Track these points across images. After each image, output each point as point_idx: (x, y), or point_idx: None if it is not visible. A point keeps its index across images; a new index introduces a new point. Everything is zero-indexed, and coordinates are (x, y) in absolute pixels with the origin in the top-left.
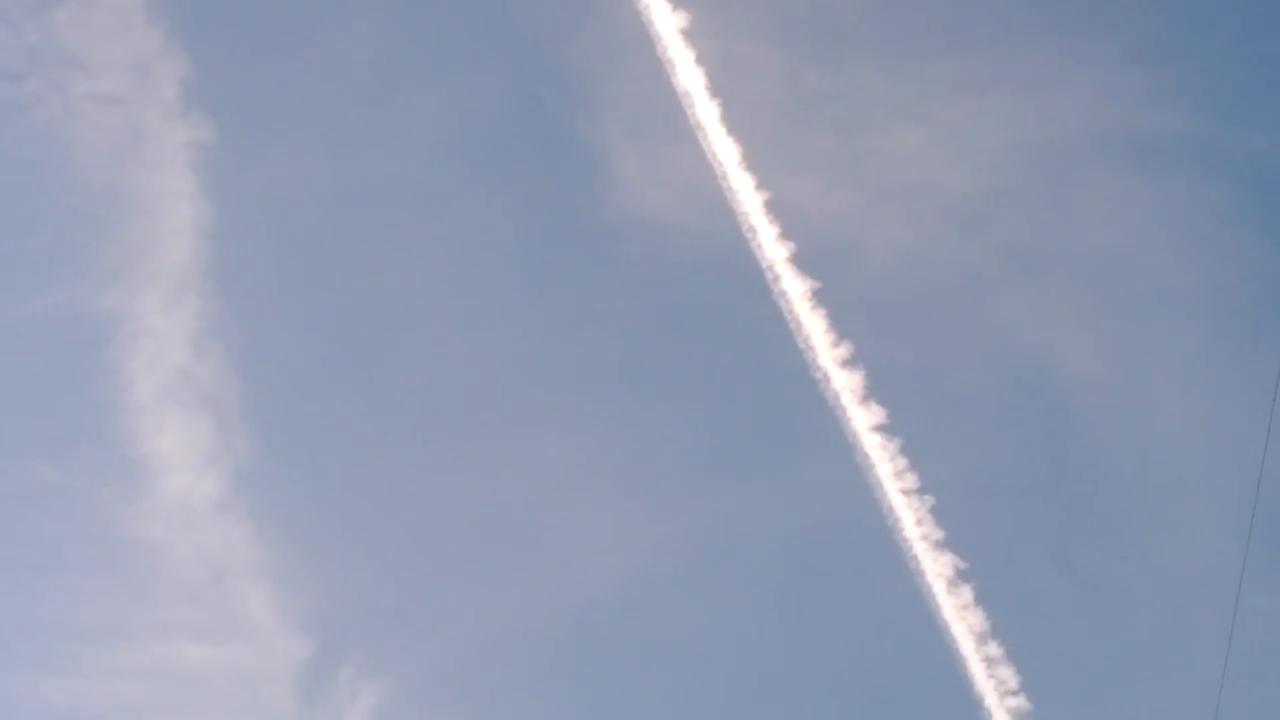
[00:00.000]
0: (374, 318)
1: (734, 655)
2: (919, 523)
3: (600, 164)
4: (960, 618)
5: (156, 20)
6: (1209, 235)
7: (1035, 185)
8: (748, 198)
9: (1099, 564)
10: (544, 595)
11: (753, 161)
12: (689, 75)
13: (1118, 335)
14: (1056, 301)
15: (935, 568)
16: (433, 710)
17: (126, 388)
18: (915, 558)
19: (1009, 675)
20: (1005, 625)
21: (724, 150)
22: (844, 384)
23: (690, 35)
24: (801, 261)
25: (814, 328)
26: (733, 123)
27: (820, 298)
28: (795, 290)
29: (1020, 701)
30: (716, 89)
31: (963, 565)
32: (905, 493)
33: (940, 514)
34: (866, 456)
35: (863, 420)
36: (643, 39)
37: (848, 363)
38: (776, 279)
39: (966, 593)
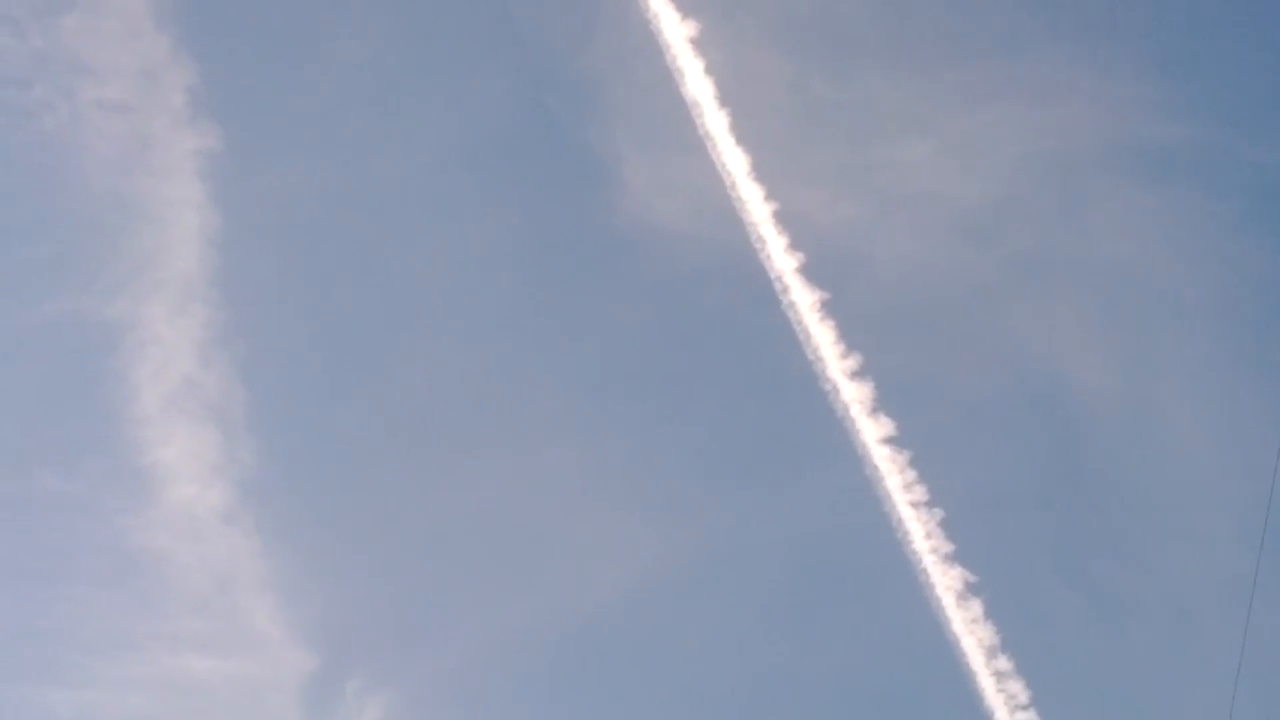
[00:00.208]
0: (381, 327)
1: (741, 667)
2: (928, 535)
3: (609, 173)
4: (970, 631)
5: (164, 27)
6: (1219, 246)
7: (1045, 196)
8: (756, 208)
9: (1109, 577)
10: (551, 606)
11: (762, 171)
12: (698, 84)
13: (1128, 346)
14: (1066, 312)
15: (945, 581)
16: None
17: (133, 397)
18: (925, 571)
19: (1019, 689)
20: (1015, 639)
21: (733, 160)
22: (853, 395)
23: (699, 44)
24: (810, 272)
25: (823, 338)
26: (742, 132)
27: (829, 308)
28: (804, 301)
29: (1030, 716)
30: (726, 98)
31: (972, 578)
32: (915, 505)
33: (950, 527)
34: (876, 468)
35: (872, 432)
36: (652, 48)
37: (857, 374)
38: (785, 289)
39: (976, 606)
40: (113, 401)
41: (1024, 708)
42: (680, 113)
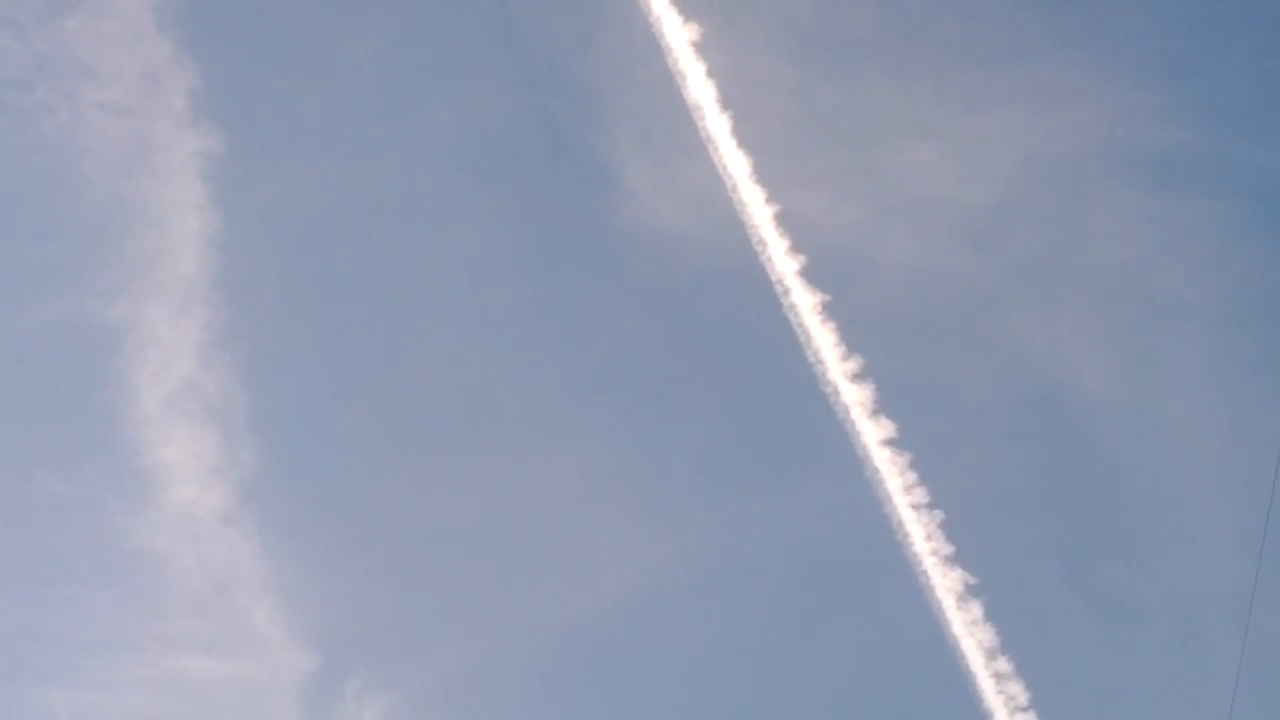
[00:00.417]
0: (382, 330)
1: (742, 671)
2: (928, 538)
3: (611, 176)
4: (970, 633)
5: (166, 30)
6: (1222, 251)
7: (1048, 200)
8: (758, 211)
9: (1109, 579)
10: (551, 610)
11: (763, 174)
12: (700, 88)
13: (1130, 351)
14: (1068, 316)
15: (945, 583)
16: None
17: (133, 398)
18: (925, 573)
19: (1019, 691)
20: (1015, 641)
21: (735, 163)
22: (854, 398)
23: (701, 48)
24: (812, 275)
25: (824, 341)
26: (744, 136)
27: (830, 311)
28: (805, 304)
29: (1030, 718)
30: (728, 102)
31: (972, 580)
32: (915, 507)
33: (950, 529)
34: (876, 471)
35: (872, 434)
36: (654, 51)
37: (858, 377)
38: (786, 292)
39: (976, 608)
40: (113, 403)
41: (1023, 709)
42: (682, 116)
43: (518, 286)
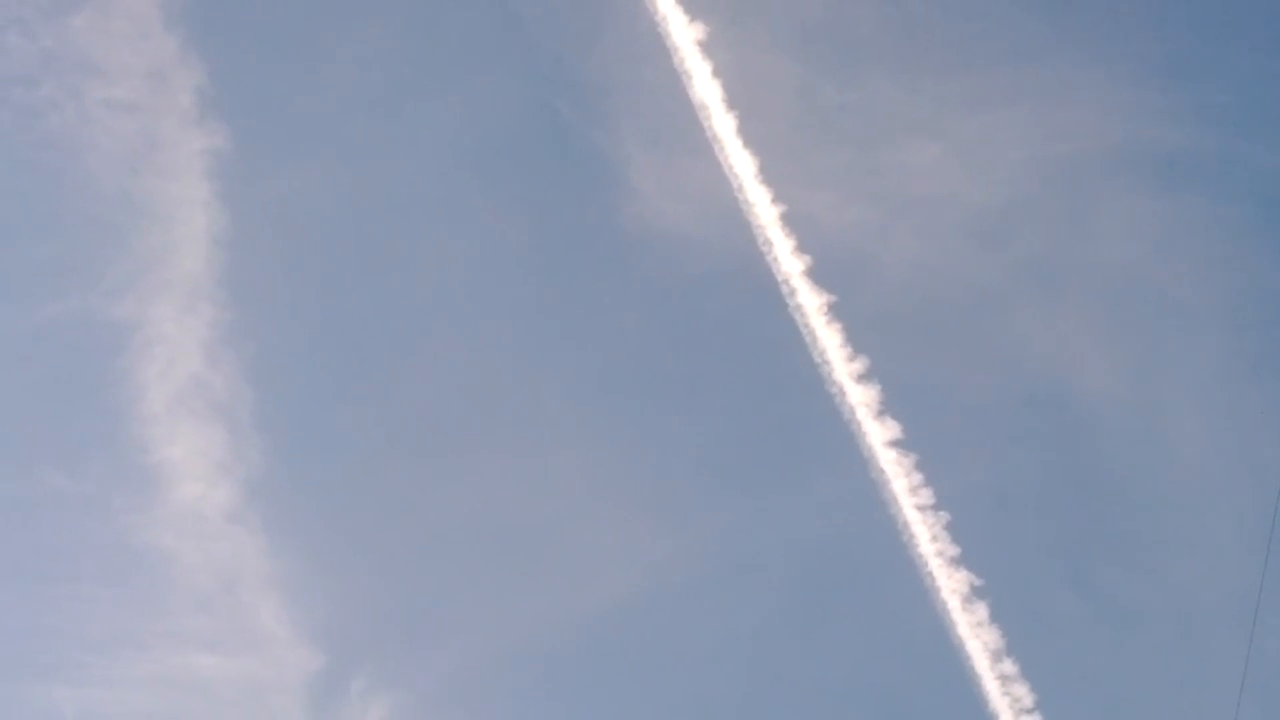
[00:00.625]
0: (388, 327)
1: (746, 670)
2: (934, 539)
3: (616, 175)
4: (975, 635)
5: (173, 27)
6: (1227, 251)
7: (1053, 200)
8: (764, 210)
9: (1115, 581)
10: (556, 608)
11: (769, 174)
12: (706, 87)
13: (1135, 351)
14: (1073, 317)
15: (950, 584)
16: None
17: (139, 396)
18: (930, 574)
19: (1024, 693)
20: (1020, 643)
21: (740, 163)
22: (859, 398)
23: (707, 47)
24: (817, 275)
25: (830, 341)
26: (749, 135)
27: (836, 311)
28: (811, 304)
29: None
30: (733, 101)
31: (978, 582)
32: (920, 508)
33: (955, 530)
34: (882, 471)
35: (878, 435)
36: (660, 50)
37: (863, 377)
38: (792, 292)
39: (981, 610)
40: (119, 400)
41: (1028, 711)
42: (688, 115)
43: (523, 285)
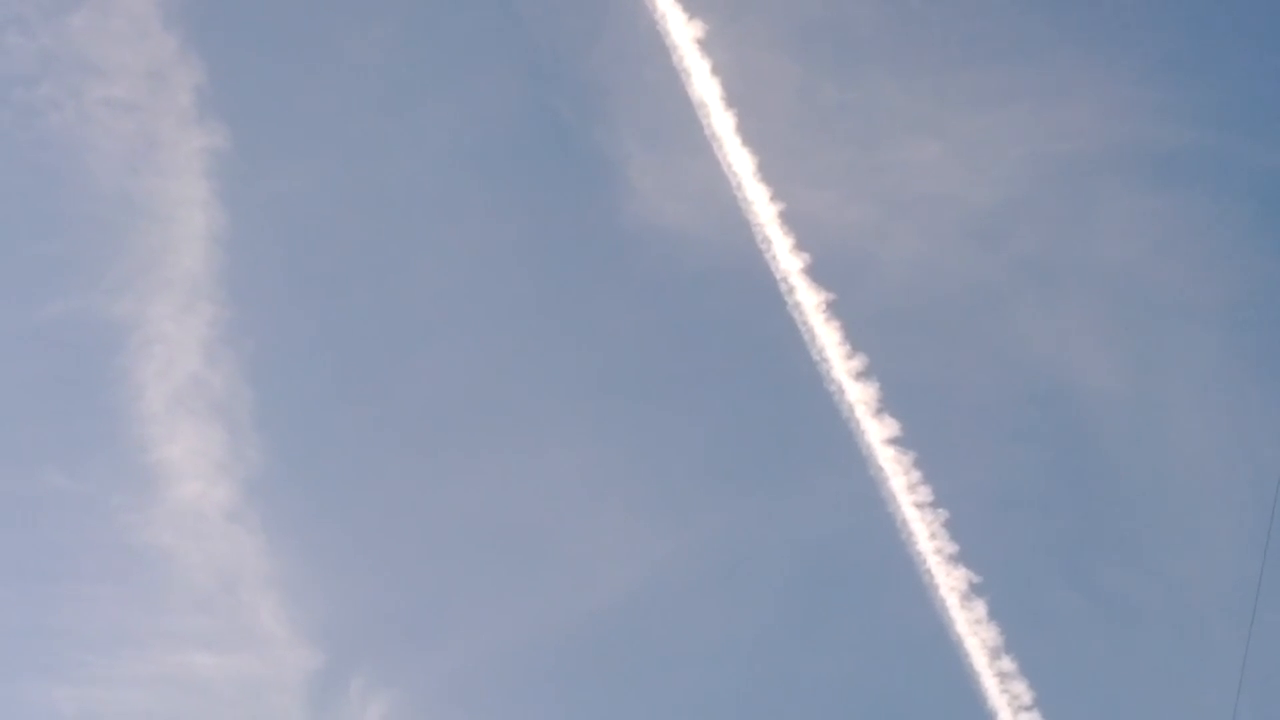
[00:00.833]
0: (387, 326)
1: (746, 669)
2: (933, 536)
3: (615, 174)
4: (974, 632)
5: (172, 26)
6: (1226, 249)
7: (1052, 198)
8: (763, 209)
9: (1113, 578)
10: (555, 606)
11: (768, 172)
12: (705, 85)
13: (1134, 349)
14: (1073, 315)
15: (949, 582)
16: None
17: (138, 395)
18: (929, 572)
19: (1023, 690)
20: (1019, 640)
21: (739, 161)
22: (858, 396)
23: (706, 45)
24: (816, 273)
25: (828, 340)
26: (748, 133)
27: (835, 310)
28: (810, 302)
29: (1034, 717)
30: (732, 99)
31: (976, 579)
32: (919, 506)
33: (954, 528)
34: (880, 470)
35: (877, 433)
36: (658, 49)
37: (862, 375)
38: (791, 290)
39: (980, 607)
40: (118, 399)
41: (1027, 708)
42: (687, 113)
43: (522, 284)
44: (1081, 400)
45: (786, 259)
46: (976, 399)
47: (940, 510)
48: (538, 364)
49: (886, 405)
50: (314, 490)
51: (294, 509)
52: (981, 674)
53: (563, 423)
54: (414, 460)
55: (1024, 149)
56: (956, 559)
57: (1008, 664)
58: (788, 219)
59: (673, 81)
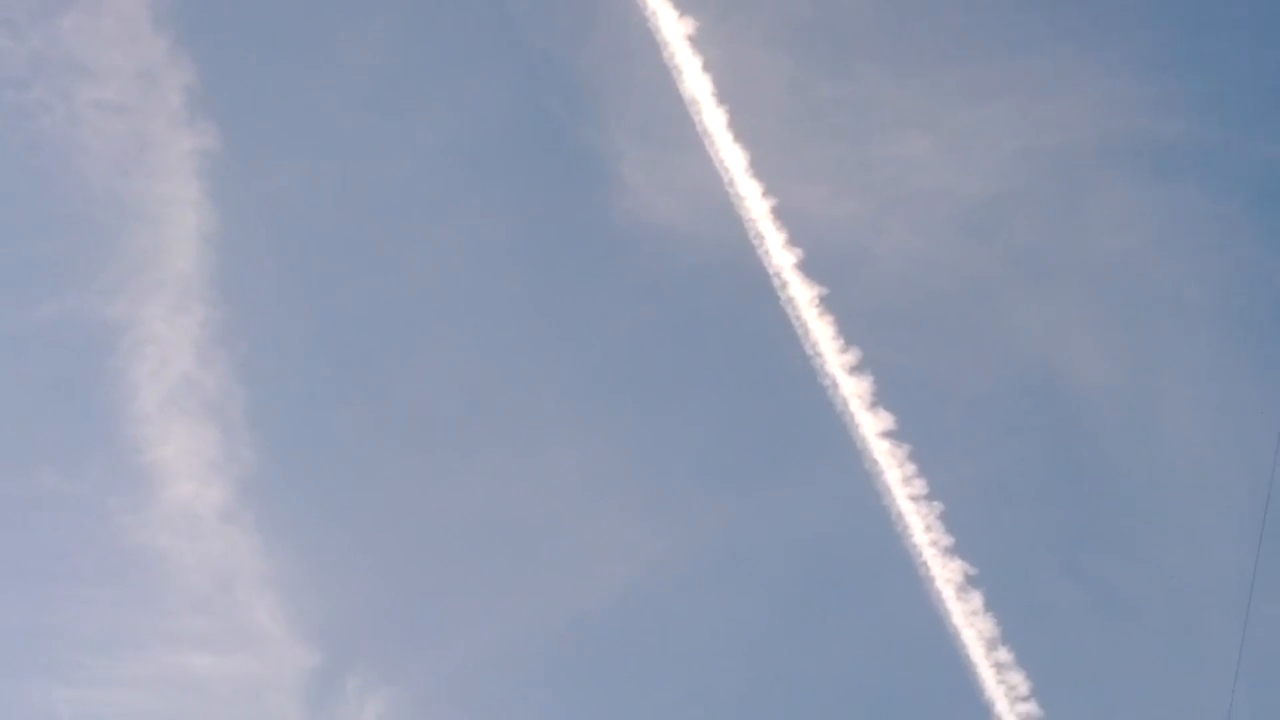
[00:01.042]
0: (380, 326)
1: (743, 663)
2: (928, 529)
3: (607, 171)
4: (970, 623)
5: (162, 27)
6: (1219, 241)
7: (1044, 191)
8: (755, 204)
9: (1109, 569)
10: (551, 604)
11: (760, 168)
12: (696, 82)
13: (1128, 341)
14: (1066, 307)
15: (944, 574)
16: None
17: (132, 396)
18: (924, 564)
19: (1019, 681)
20: (1015, 631)
21: (731, 157)
22: (852, 390)
23: (697, 42)
24: (809, 268)
25: (822, 334)
26: (740, 129)
27: (828, 304)
28: (803, 296)
29: (1031, 707)
30: (724, 95)
31: (972, 571)
32: (914, 499)
33: (949, 520)
34: (875, 463)
35: (871, 426)
36: (649, 46)
37: (856, 369)
38: (784, 285)
39: (976, 598)
40: (112, 400)
41: (1024, 699)
42: (678, 110)
43: (515, 282)
44: (1076, 393)
45: (779, 254)
46: (971, 392)
47: (935, 503)
48: (532, 362)
49: (881, 399)
50: (309, 489)
51: (289, 508)
52: (978, 665)
53: (558, 420)
54: (409, 458)
55: (1016, 142)
56: (952, 551)
57: (1004, 655)
58: (780, 214)
59: (664, 78)
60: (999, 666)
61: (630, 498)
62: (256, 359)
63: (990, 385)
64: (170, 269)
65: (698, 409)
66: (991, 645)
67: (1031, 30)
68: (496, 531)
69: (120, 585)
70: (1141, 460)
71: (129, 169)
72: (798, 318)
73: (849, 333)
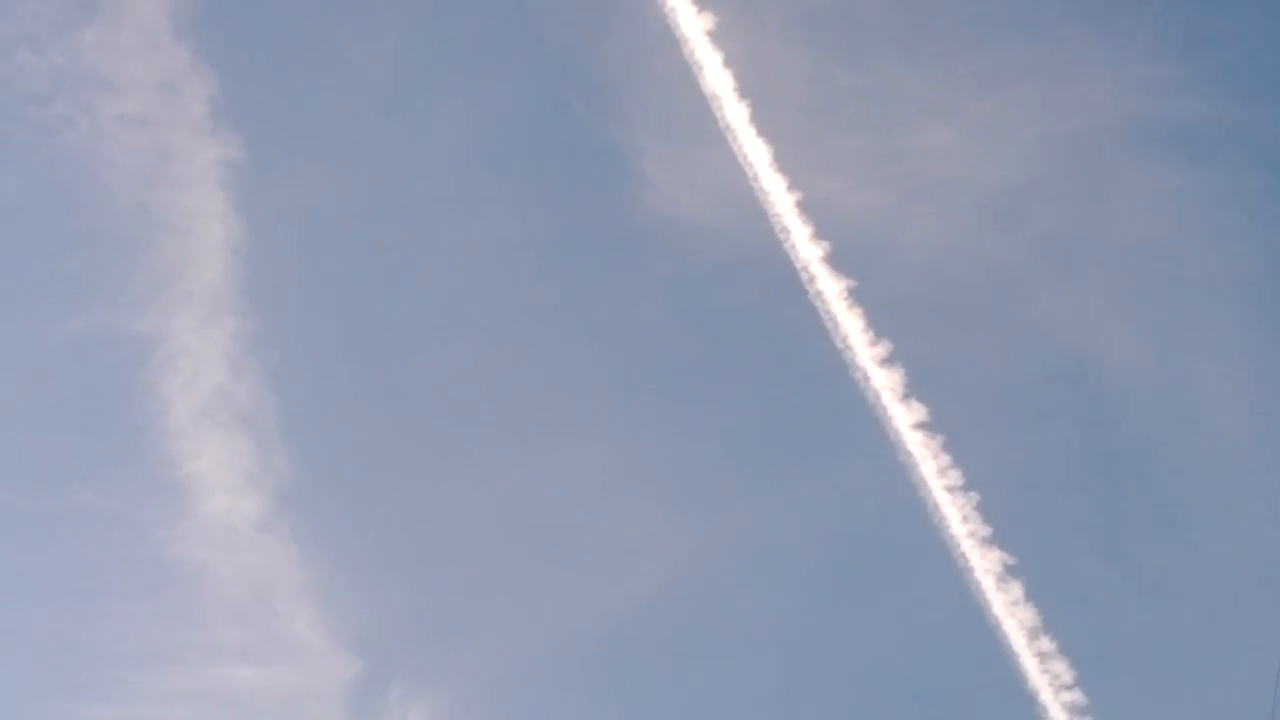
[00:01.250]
0: (408, 329)
1: (779, 658)
2: (965, 520)
3: (630, 168)
4: (1011, 614)
5: (183, 39)
6: (1246, 222)
7: (1069, 177)
8: (780, 198)
9: (1149, 555)
10: (588, 604)
11: (784, 162)
12: (717, 77)
13: (1158, 325)
14: (1095, 293)
15: (984, 564)
16: None
17: (164, 409)
18: (963, 555)
19: (1063, 669)
20: (1057, 620)
21: (754, 151)
22: (883, 382)
23: (717, 37)
24: (836, 261)
25: (851, 327)
26: (762, 123)
27: (856, 296)
28: (831, 290)
29: (1075, 696)
30: (745, 90)
31: (1011, 561)
32: (949, 490)
33: (986, 510)
34: (909, 455)
35: (904, 418)
36: (669, 42)
37: (886, 361)
38: (811, 279)
39: (1016, 588)
40: (144, 415)
41: (1069, 688)
42: (700, 105)
43: (541, 282)
44: (1108, 377)
45: (806, 247)
46: (1002, 380)
47: (971, 493)
48: (560, 362)
49: (912, 390)
50: (344, 498)
51: (324, 517)
52: (1021, 655)
53: (588, 420)
54: (441, 463)
55: (1039, 128)
56: (990, 541)
57: (1047, 644)
58: (805, 207)
59: (685, 74)
60: (1042, 656)
61: (663, 496)
62: (288, 368)
63: (1022, 373)
64: (198, 280)
65: (729, 406)
66: (1033, 635)
67: (1050, 14)
68: (531, 533)
69: (158, 599)
70: (1177, 443)
71: (154, 181)
72: (826, 311)
73: (878, 325)
